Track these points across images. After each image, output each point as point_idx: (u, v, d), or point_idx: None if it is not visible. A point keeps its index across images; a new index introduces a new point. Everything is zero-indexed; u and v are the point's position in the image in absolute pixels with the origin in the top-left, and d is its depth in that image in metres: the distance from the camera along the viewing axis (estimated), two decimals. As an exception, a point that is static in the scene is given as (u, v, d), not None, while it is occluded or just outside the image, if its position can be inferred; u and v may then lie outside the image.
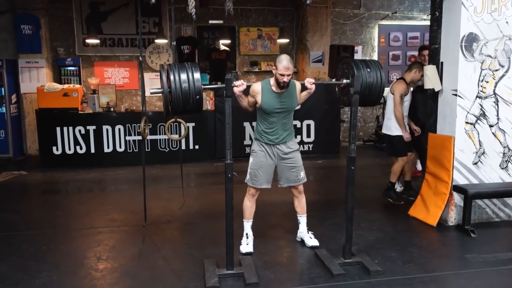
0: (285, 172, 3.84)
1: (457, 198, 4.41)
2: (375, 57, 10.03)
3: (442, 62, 4.52)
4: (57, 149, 7.45)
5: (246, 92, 3.60)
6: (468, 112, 4.34)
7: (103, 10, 8.96)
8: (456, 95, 4.31)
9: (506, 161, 4.49)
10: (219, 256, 3.49)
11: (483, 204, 4.51)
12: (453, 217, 4.45)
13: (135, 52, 9.19)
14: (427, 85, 4.58)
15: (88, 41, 8.55)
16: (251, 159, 3.82)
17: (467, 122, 4.36)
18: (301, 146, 8.18)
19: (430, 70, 4.51)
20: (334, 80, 3.87)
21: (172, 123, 4.51)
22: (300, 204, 3.98)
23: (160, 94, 3.16)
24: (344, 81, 3.56)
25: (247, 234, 3.87)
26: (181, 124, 4.46)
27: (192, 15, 3.82)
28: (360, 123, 10.23)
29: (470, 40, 4.25)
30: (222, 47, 8.58)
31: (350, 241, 3.52)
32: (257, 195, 3.88)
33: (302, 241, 3.99)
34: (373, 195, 5.66)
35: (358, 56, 9.83)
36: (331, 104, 8.10)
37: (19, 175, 6.99)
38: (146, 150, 7.62)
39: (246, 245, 3.80)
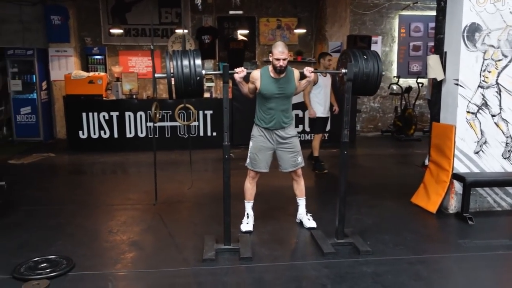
0: (285, 158, 4.03)
1: (458, 186, 4.49)
2: (395, 48, 10.01)
3: (445, 52, 4.59)
4: (83, 134, 7.86)
5: (246, 79, 3.82)
6: (470, 102, 4.41)
7: (127, 1, 9.30)
8: (457, 84, 4.39)
9: (508, 151, 4.54)
10: (221, 234, 3.71)
11: (484, 193, 4.57)
12: (453, 205, 4.54)
13: (158, 41, 9.48)
14: (430, 75, 4.65)
15: (112, 31, 8.92)
16: (251, 143, 4.03)
17: (468, 112, 4.42)
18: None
19: (432, 60, 4.58)
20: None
21: (182, 109, 4.76)
22: (299, 187, 4.16)
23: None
24: (343, 70, 3.70)
25: (247, 214, 4.10)
26: (190, 110, 4.72)
27: (198, 6, 4.04)
28: (379, 113, 10.26)
29: (472, 30, 4.30)
30: (240, 37, 8.78)
31: (342, 222, 3.70)
32: (257, 177, 4.08)
33: (301, 223, 4.18)
34: (379, 183, 5.79)
35: (377, 46, 9.84)
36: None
37: (47, 157, 7.44)
38: (166, 136, 7.96)
39: (246, 224, 4.04)
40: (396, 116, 9.50)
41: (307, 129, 8.34)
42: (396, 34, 10.00)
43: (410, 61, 10.05)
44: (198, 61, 3.34)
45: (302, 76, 3.92)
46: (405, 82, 9.70)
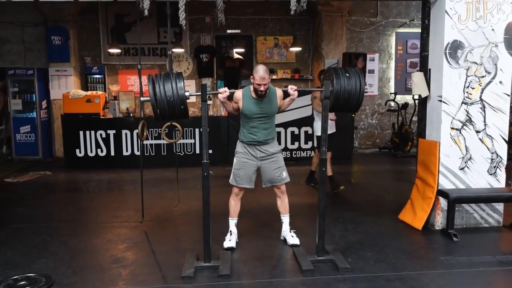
0: (268, 172, 4.05)
1: (443, 203, 4.47)
2: (392, 64, 10.07)
3: (430, 69, 4.62)
4: (80, 152, 7.95)
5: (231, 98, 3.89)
6: (454, 118, 4.41)
7: (127, 21, 9.49)
8: (441, 101, 4.40)
9: (494, 167, 4.52)
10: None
11: (470, 209, 4.54)
12: (439, 222, 4.51)
13: (157, 60, 9.67)
14: (414, 91, 4.69)
15: (110, 50, 9.08)
16: (234, 160, 4.07)
17: (452, 128, 4.43)
18: (313, 151, 8.33)
19: (416, 77, 4.62)
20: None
21: (168, 127, 4.82)
22: (283, 204, 4.17)
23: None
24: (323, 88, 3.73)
25: (231, 231, 4.11)
26: (177, 128, 4.78)
27: (182, 26, 4.13)
28: (377, 130, 10.26)
29: (455, 48, 4.33)
30: (236, 55, 8.89)
31: (322, 239, 3.69)
32: (241, 194, 4.11)
33: (285, 240, 4.17)
34: (369, 200, 5.77)
35: (374, 63, 9.91)
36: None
37: (44, 175, 7.53)
38: (163, 154, 8.02)
39: (229, 241, 4.04)
40: (394, 133, 9.51)
41: (303, 145, 8.38)
42: (393, 51, 10.06)
43: (407, 78, 10.07)
44: (181, 84, 3.41)
45: (286, 94, 3.96)
46: (402, 98, 9.72)
